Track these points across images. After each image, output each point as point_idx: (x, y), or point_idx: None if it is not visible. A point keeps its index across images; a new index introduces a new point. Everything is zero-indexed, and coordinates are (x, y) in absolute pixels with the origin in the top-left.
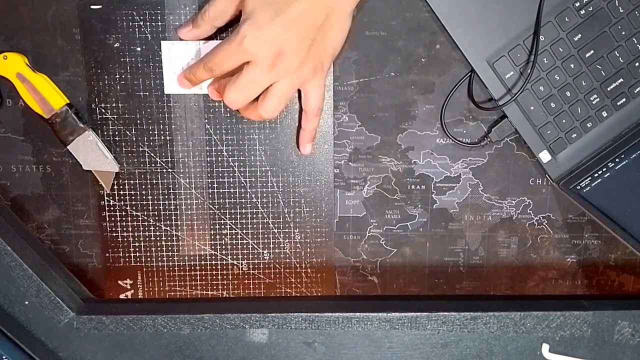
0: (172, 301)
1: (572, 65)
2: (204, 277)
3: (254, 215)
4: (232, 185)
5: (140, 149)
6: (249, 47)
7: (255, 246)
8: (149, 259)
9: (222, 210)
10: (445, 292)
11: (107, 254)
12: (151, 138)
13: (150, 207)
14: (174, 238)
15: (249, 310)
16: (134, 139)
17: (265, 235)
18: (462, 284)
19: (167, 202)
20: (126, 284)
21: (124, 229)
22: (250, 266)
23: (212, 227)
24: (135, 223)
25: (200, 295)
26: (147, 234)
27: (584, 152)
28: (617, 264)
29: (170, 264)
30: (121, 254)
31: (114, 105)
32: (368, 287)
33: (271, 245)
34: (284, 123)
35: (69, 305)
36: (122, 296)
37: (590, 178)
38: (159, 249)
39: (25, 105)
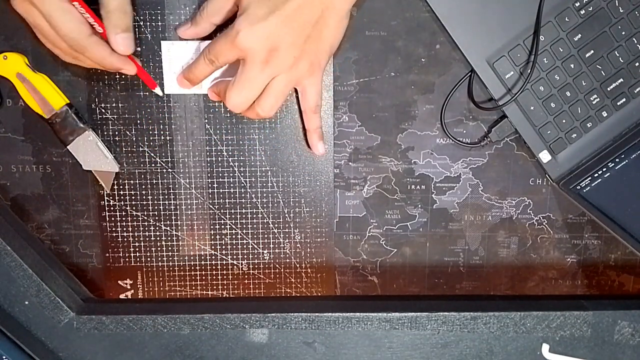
0: (172, 301)
1: (572, 65)
2: (204, 277)
3: (254, 215)
4: (232, 185)
5: (140, 149)
6: (243, 42)
7: (255, 246)
8: (149, 259)
9: (222, 210)
10: (445, 292)
11: (107, 254)
12: (151, 138)
13: (150, 207)
14: (174, 238)
15: (249, 310)
16: (134, 139)
17: (265, 235)
18: (462, 284)
19: (167, 202)
20: (126, 284)
21: (124, 229)
22: (250, 266)
23: (212, 227)
24: (135, 223)
25: (200, 295)
26: (147, 234)
27: (584, 152)
28: (617, 264)
29: (170, 264)
30: (121, 254)
31: (114, 105)
32: (368, 287)
33: (271, 245)
34: (284, 123)
35: (69, 305)
36: (122, 296)
37: (590, 178)
38: (159, 249)
39: (25, 105)
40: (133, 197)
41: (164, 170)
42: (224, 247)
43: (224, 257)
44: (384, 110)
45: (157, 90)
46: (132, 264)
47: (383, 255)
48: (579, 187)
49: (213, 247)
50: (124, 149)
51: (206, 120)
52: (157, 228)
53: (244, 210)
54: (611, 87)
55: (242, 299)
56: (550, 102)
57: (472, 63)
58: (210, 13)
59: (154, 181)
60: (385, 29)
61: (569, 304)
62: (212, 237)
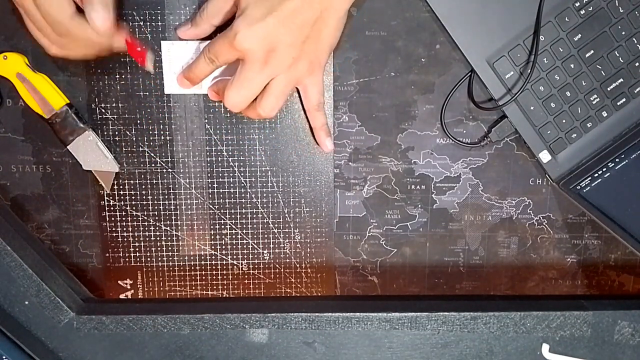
0: (172, 301)
1: (572, 65)
2: (204, 277)
3: (254, 215)
4: (232, 185)
5: (140, 149)
6: (241, 43)
7: (255, 246)
8: (149, 259)
9: (222, 210)
10: (445, 292)
11: (107, 254)
12: (151, 138)
13: (150, 207)
14: (174, 238)
15: (249, 310)
16: (134, 139)
17: (265, 235)
18: (462, 284)
19: (167, 202)
20: (126, 284)
21: (124, 229)
22: (250, 266)
23: (212, 227)
24: (135, 223)
25: (200, 295)
26: (147, 234)
27: (584, 152)
28: (617, 264)
29: (170, 264)
30: (121, 254)
31: (114, 105)
32: (368, 287)
33: (271, 245)
34: (284, 123)
35: (69, 305)
36: (122, 296)
37: (590, 178)
38: (159, 249)
39: (25, 105)
40: (133, 197)
41: (164, 170)
42: (224, 247)
43: (224, 257)
44: (384, 110)
45: (149, 67)
46: (132, 264)
47: (383, 255)
48: (579, 187)
49: (213, 247)
50: (124, 149)
51: (206, 120)
52: (157, 228)
53: (244, 210)
54: (611, 87)
55: (242, 299)
56: (550, 102)
57: (472, 63)
58: (210, 14)
59: (154, 181)
60: (385, 29)
61: (569, 304)
62: (212, 237)
